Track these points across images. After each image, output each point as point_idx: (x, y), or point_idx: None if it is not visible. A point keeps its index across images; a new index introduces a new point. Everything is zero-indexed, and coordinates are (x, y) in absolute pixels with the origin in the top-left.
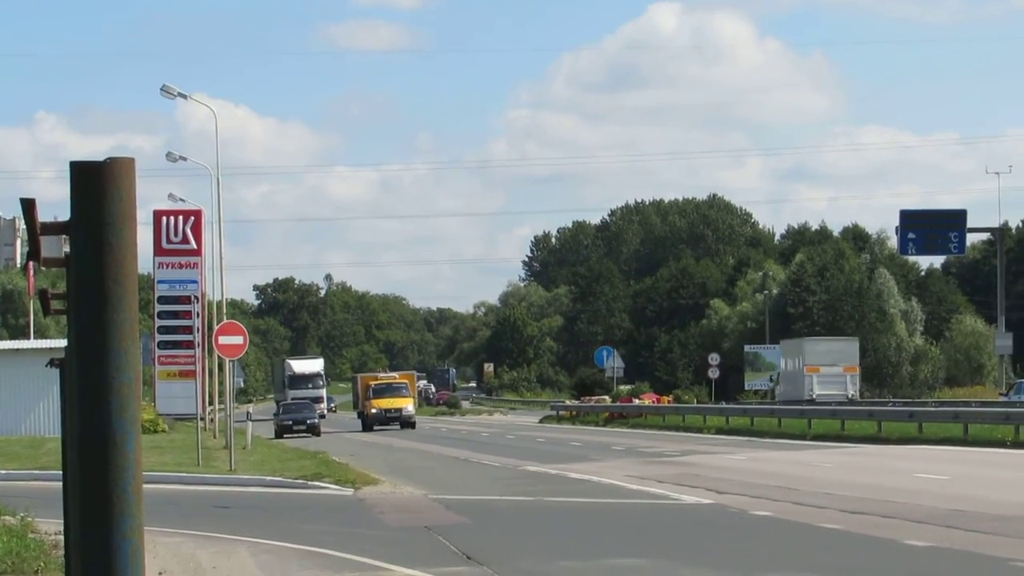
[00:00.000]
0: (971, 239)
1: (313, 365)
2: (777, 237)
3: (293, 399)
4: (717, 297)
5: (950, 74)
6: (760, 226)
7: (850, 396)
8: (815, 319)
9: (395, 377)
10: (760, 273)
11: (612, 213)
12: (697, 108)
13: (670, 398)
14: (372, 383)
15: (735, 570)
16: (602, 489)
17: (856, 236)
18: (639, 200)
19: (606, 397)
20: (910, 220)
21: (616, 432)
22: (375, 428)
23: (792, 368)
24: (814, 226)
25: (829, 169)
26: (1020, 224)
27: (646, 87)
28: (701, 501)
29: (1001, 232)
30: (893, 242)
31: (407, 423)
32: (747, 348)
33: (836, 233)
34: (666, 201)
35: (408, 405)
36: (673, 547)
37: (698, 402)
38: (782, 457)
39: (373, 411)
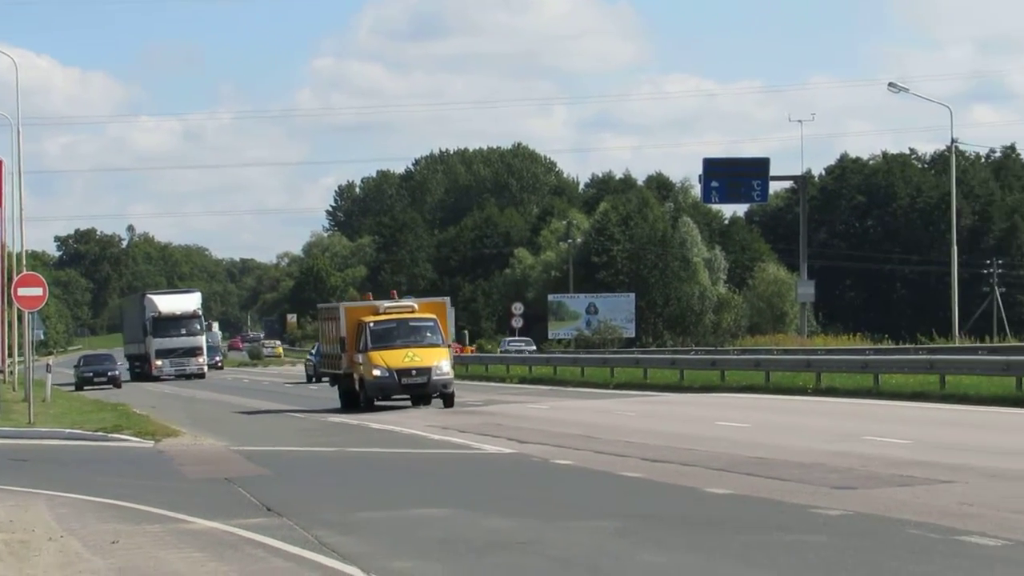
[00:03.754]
0: (774, 187)
1: (186, 302)
2: (582, 186)
3: (159, 350)
4: (521, 246)
5: (754, 23)
6: (565, 175)
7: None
8: (619, 268)
9: (412, 307)
10: (564, 222)
11: (417, 163)
12: (504, 57)
13: (473, 348)
14: (369, 319)
15: (537, 518)
16: (404, 439)
17: (660, 185)
18: (444, 149)
19: None
20: (713, 168)
21: None
22: (378, 405)
23: None
24: (618, 175)
25: (634, 118)
26: (823, 172)
27: (452, 36)
28: (503, 451)
29: (804, 180)
30: (697, 191)
31: (445, 396)
32: (551, 297)
33: (640, 182)
34: (471, 150)
35: (442, 362)
36: (475, 497)
37: (501, 352)
38: (584, 406)
39: (376, 373)
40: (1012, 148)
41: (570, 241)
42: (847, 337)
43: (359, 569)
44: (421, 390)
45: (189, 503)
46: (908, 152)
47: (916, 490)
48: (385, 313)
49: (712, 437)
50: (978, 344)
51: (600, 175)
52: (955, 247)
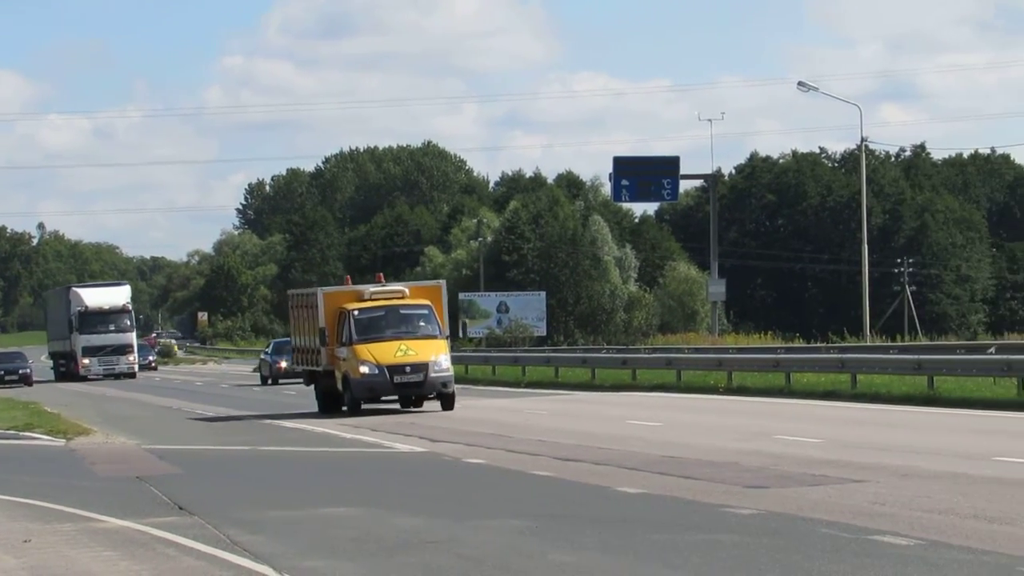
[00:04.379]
0: (684, 186)
1: (115, 295)
2: (492, 185)
3: (86, 347)
4: (432, 245)
5: (664, 22)
6: (475, 173)
7: None
8: (530, 266)
9: (403, 292)
10: (475, 221)
11: (327, 161)
12: (414, 55)
13: None
14: (353, 306)
15: (449, 517)
16: (316, 438)
17: (570, 183)
18: (354, 148)
19: None
20: (623, 167)
21: None
22: (365, 408)
23: None
24: (529, 173)
25: (544, 117)
26: (733, 171)
27: (362, 34)
28: (415, 449)
29: (714, 179)
30: (607, 189)
31: (444, 397)
32: (461, 296)
33: (551, 180)
34: (381, 148)
35: (440, 356)
36: (387, 496)
37: None
38: (496, 404)
39: (364, 371)
40: (922, 147)
41: (480, 240)
42: (758, 336)
43: (271, 568)
44: (416, 390)
45: (101, 502)
46: (818, 151)
47: (828, 489)
48: (371, 299)
49: (624, 436)
50: (889, 343)
51: (510, 174)
52: (866, 246)
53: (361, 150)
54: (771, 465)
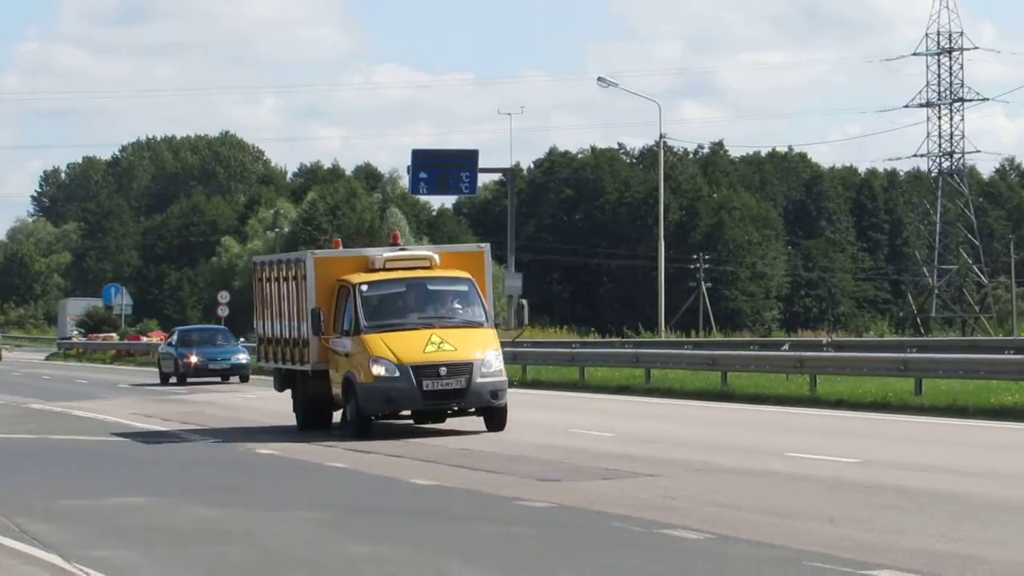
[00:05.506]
0: (483, 179)
1: None
2: (290, 175)
3: None
4: (228, 235)
5: (465, 15)
6: (273, 164)
7: None
8: None
9: (431, 259)
10: (272, 211)
11: (124, 149)
12: (213, 44)
13: None
14: (359, 278)
15: (242, 508)
16: (108, 427)
17: (369, 175)
18: (151, 136)
19: (113, 335)
20: (422, 160)
21: (124, 370)
22: (373, 426)
23: None
24: (327, 165)
25: (344, 108)
26: (531, 165)
27: (162, 21)
28: (208, 439)
29: (512, 173)
30: (405, 182)
31: (494, 413)
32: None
33: (349, 172)
34: (179, 137)
35: (488, 352)
36: (179, 486)
37: None
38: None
39: (378, 372)
40: (720, 144)
41: (277, 230)
42: (554, 330)
43: (60, 557)
44: (456, 400)
45: None
46: (617, 147)
47: (621, 483)
48: (385, 269)
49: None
50: (684, 339)
51: (309, 165)
52: (662, 242)
53: (159, 139)
54: (565, 459)
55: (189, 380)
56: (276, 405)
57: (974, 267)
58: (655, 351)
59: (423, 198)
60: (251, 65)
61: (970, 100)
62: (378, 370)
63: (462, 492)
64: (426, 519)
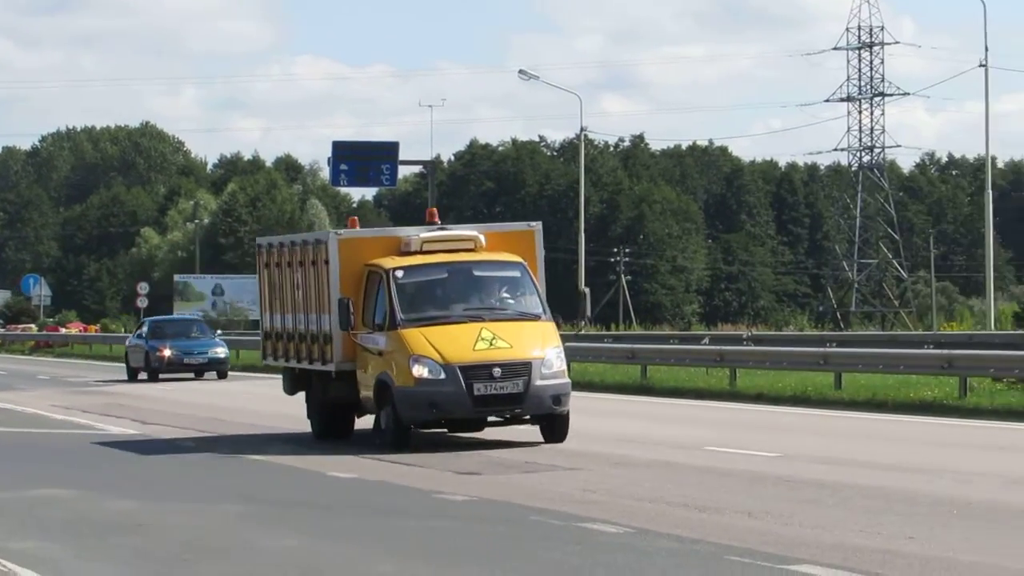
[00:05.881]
0: (403, 172)
1: None
2: (210, 167)
3: None
4: (148, 226)
5: (385, 6)
6: (193, 155)
7: None
8: (246, 249)
9: (476, 240)
10: (192, 202)
11: (43, 139)
12: (134, 34)
13: (97, 327)
14: (393, 263)
15: (162, 501)
16: (26, 419)
17: (289, 167)
18: (71, 127)
19: (32, 326)
20: (342, 152)
21: (42, 361)
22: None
23: None
24: (247, 156)
25: (264, 99)
26: (452, 158)
27: (84, 11)
28: (127, 431)
29: (432, 165)
30: (326, 173)
31: (556, 420)
32: (177, 278)
33: (269, 163)
34: (99, 128)
35: (548, 350)
36: (99, 478)
37: (126, 331)
38: (209, 387)
39: (420, 373)
40: (640, 138)
41: (197, 221)
42: None
43: None
44: (512, 407)
45: None
46: (538, 139)
47: (540, 477)
48: (423, 252)
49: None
50: (604, 332)
51: (229, 156)
52: (583, 235)
53: (79, 129)
54: (483, 452)
55: (161, 376)
56: (193, 396)
57: (894, 261)
58: (575, 344)
59: (343, 190)
60: (173, 56)
61: (891, 95)
62: (420, 371)
63: (382, 485)
64: (347, 512)
